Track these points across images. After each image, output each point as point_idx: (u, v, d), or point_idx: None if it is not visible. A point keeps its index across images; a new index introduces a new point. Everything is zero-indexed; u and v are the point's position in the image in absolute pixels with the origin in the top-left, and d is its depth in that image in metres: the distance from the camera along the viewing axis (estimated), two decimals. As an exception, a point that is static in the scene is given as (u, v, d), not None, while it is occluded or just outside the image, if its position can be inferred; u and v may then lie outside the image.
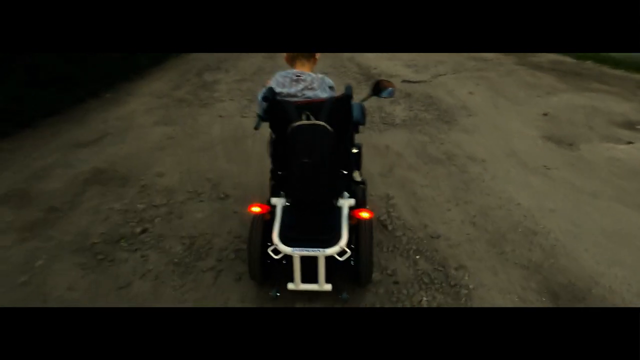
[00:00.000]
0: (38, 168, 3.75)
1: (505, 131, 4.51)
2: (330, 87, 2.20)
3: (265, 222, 2.17)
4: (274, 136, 2.17)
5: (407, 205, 3.12)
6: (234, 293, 2.34)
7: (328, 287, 2.09)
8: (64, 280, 2.46)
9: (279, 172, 2.21)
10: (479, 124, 4.74)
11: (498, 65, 7.46)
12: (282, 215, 2.12)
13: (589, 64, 7.27)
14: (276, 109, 1.99)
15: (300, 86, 2.09)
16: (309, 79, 2.10)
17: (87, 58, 5.77)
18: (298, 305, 2.24)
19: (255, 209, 2.15)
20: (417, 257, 2.60)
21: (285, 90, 2.10)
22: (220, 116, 5.10)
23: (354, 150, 2.44)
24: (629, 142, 4.16)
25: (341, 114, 2.00)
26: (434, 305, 2.24)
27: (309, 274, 2.07)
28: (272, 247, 2.04)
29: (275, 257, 2.05)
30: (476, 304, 2.24)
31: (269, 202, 2.25)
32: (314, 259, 2.00)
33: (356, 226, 2.15)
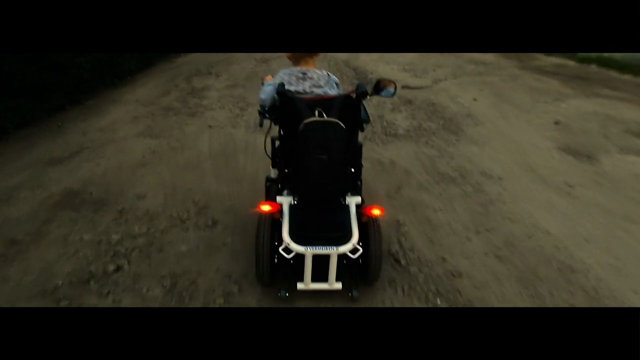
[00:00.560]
0: (1, 190, 3.26)
1: (517, 142, 4.11)
2: (337, 84, 2.17)
3: (273, 221, 2.09)
4: (282, 133, 2.10)
5: (421, 234, 2.70)
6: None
7: (338, 285, 2.03)
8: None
9: (286, 170, 2.13)
10: (487, 134, 4.33)
11: (499, 68, 7.07)
12: (290, 214, 2.04)
13: (593, 67, 6.91)
14: (287, 105, 1.94)
15: (308, 84, 2.05)
16: (315, 77, 2.06)
17: (66, 62, 5.23)
18: (306, 305, 2.13)
19: (265, 208, 2.06)
20: (438, 301, 2.18)
21: (293, 88, 2.04)
22: (210, 126, 4.63)
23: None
24: (652, 155, 3.78)
25: (351, 112, 1.96)
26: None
27: (317, 273, 1.99)
28: (283, 247, 1.95)
29: (287, 256, 1.95)
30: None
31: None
32: (322, 258, 1.94)
33: (365, 223, 2.08)
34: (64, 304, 2.19)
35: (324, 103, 1.91)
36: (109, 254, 2.55)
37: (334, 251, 1.91)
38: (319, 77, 2.08)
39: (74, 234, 2.75)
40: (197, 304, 2.18)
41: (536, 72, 6.71)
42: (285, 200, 2.09)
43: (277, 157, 2.25)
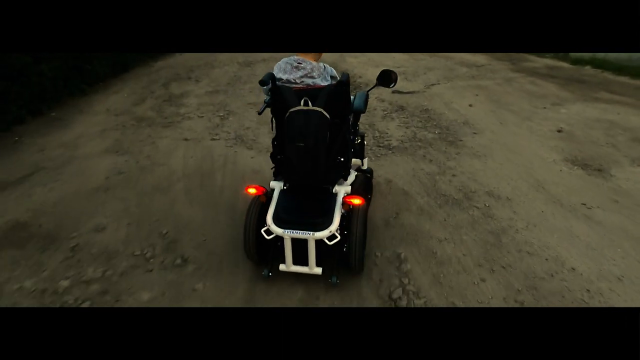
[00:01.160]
0: None
1: (520, 154, 3.70)
2: (332, 77, 2.16)
3: (262, 204, 2.17)
4: (273, 121, 2.11)
5: (426, 273, 2.26)
6: None
7: (318, 270, 2.08)
8: None
9: (278, 156, 2.16)
10: (488, 145, 3.92)
11: (492, 71, 6.69)
12: (278, 198, 2.12)
13: (587, 69, 6.58)
14: (276, 94, 1.98)
15: (300, 73, 2.04)
16: (309, 67, 2.05)
17: (29, 68, 4.65)
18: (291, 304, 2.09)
19: (251, 190, 2.13)
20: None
21: (285, 77, 2.05)
22: (186, 139, 4.13)
23: (357, 140, 2.46)
24: (668, 167, 3.41)
25: (338, 101, 1.96)
26: None
27: (302, 257, 2.05)
28: (265, 228, 2.04)
29: (267, 237, 2.04)
30: None
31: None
32: (305, 242, 2.00)
33: (349, 213, 2.09)
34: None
35: (311, 93, 1.92)
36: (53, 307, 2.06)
37: (310, 236, 1.95)
38: (313, 67, 2.05)
39: (13, 281, 2.25)
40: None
41: (531, 75, 6.34)
42: (277, 185, 2.18)
43: (273, 144, 2.21)
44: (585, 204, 2.88)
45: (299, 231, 1.96)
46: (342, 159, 2.09)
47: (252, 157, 3.70)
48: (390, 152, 3.76)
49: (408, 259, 2.35)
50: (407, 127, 4.38)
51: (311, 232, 1.95)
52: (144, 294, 2.17)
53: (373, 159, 3.60)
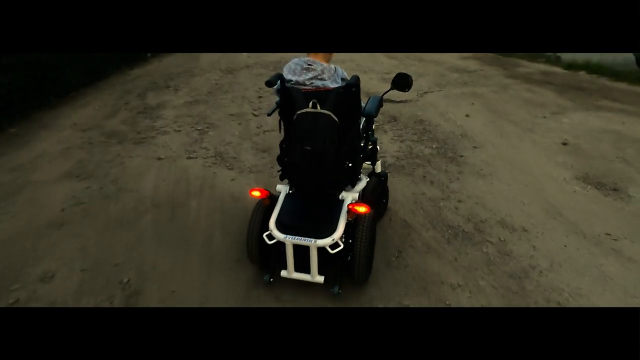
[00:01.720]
0: None
1: (528, 172, 3.32)
2: (343, 79, 2.04)
3: (266, 207, 2.08)
4: (281, 123, 2.02)
5: (440, 333, 1.85)
6: None
7: (320, 279, 1.95)
8: None
9: (285, 159, 2.06)
10: (491, 161, 3.53)
11: (485, 77, 6.34)
12: (283, 202, 2.03)
13: (583, 75, 6.27)
14: (285, 96, 1.91)
15: (310, 75, 1.94)
16: (319, 69, 1.95)
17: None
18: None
19: (255, 193, 2.04)
20: None
21: (295, 78, 1.96)
22: (159, 158, 3.65)
23: (370, 145, 2.34)
24: (689, 186, 3.06)
25: (348, 104, 1.87)
26: None
27: (305, 264, 1.93)
28: (267, 233, 1.96)
29: (269, 242, 1.95)
30: None
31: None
32: (308, 249, 1.88)
33: (355, 221, 1.95)
34: None
35: (320, 95, 1.83)
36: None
37: (312, 243, 1.84)
38: (324, 69, 1.95)
39: None
40: None
41: (525, 81, 6.00)
42: (283, 189, 2.10)
43: (280, 147, 2.10)
44: (610, 235, 2.50)
45: (300, 237, 1.86)
46: (350, 164, 1.97)
47: (232, 180, 3.24)
48: (386, 171, 3.34)
49: (417, 314, 1.93)
50: (401, 141, 3.97)
51: (313, 239, 1.84)
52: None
53: (368, 180, 3.18)
